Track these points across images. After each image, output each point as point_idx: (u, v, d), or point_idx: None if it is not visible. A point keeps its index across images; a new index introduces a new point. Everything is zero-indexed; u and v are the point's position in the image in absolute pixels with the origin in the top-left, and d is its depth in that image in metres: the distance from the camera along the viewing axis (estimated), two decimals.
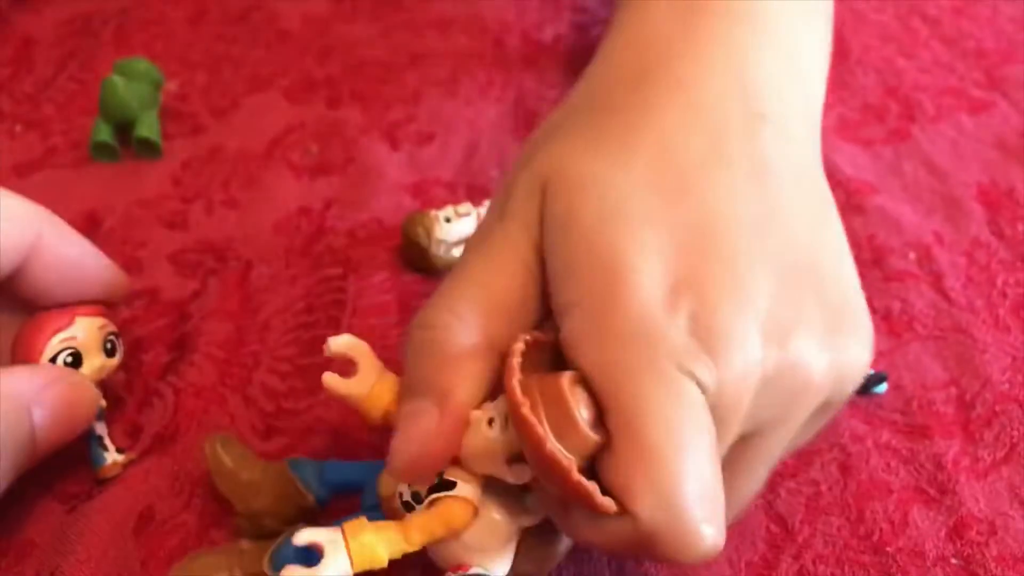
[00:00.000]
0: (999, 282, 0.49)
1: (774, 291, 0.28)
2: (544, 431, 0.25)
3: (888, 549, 0.36)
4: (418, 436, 0.28)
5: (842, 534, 0.37)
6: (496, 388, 0.29)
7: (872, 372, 0.42)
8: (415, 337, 0.29)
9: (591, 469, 0.26)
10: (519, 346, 0.27)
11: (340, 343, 0.32)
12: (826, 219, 0.32)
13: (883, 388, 0.43)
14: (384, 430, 0.31)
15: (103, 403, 0.39)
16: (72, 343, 0.36)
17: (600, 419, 0.26)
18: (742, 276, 0.28)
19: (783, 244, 0.29)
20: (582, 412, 0.26)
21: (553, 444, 0.25)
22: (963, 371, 0.44)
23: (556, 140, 0.32)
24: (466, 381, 0.28)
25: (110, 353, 0.38)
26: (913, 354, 0.45)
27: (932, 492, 0.38)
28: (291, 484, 0.36)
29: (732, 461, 0.29)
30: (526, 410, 0.25)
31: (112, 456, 0.39)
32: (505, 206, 0.31)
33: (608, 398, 0.26)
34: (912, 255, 0.51)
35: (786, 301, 0.28)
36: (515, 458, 0.27)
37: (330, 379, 0.31)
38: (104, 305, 0.39)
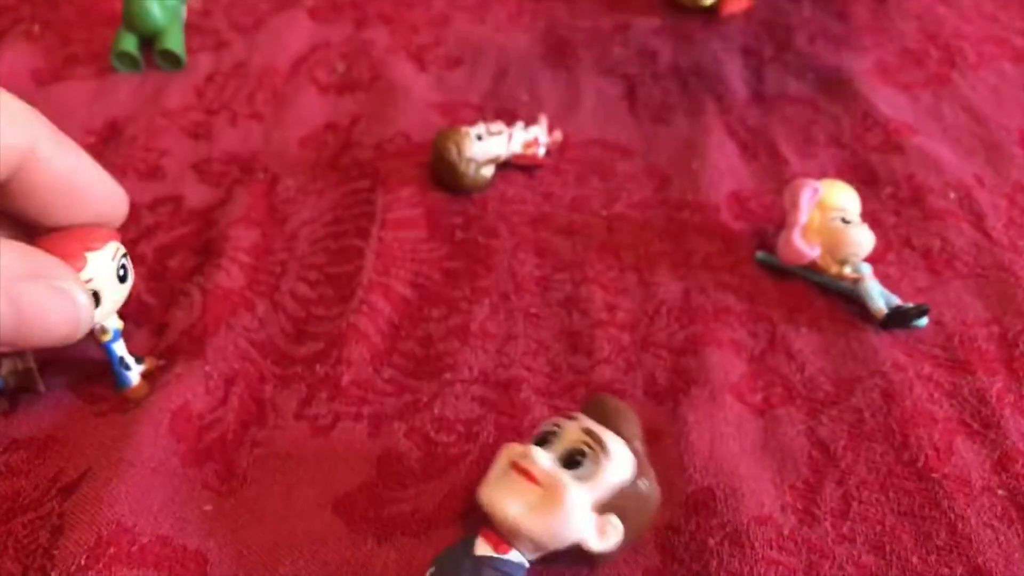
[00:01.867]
0: None
1: None
2: None
3: (934, 475, 0.35)
4: None
5: (886, 460, 0.36)
6: None
7: (911, 305, 0.41)
8: None
9: None
10: None
11: None
12: None
13: (924, 322, 0.42)
14: None
15: (119, 324, 0.37)
16: (88, 285, 0.33)
17: None
18: None
19: None
20: None
21: None
22: (1005, 309, 0.43)
23: None
24: None
25: (123, 279, 0.36)
26: (954, 292, 0.44)
27: (976, 425, 0.37)
28: None
29: None
30: None
31: (136, 372, 0.37)
32: None
33: None
34: (952, 195, 0.50)
35: None
36: None
37: None
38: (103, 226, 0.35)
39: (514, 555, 0.30)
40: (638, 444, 0.31)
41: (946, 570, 0.32)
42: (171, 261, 0.44)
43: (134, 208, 0.40)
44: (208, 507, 0.34)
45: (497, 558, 0.30)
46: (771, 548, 0.32)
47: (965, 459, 0.36)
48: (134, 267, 0.35)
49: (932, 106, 0.57)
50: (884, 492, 0.35)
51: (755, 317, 0.42)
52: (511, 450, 0.31)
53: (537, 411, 0.38)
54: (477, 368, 0.40)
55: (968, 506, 0.34)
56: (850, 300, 0.43)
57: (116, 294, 0.34)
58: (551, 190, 0.50)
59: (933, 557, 0.32)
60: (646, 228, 0.48)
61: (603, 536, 0.30)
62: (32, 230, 0.34)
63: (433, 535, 0.32)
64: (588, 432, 0.31)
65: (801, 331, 0.42)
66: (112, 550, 0.31)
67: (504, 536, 0.30)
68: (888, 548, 0.33)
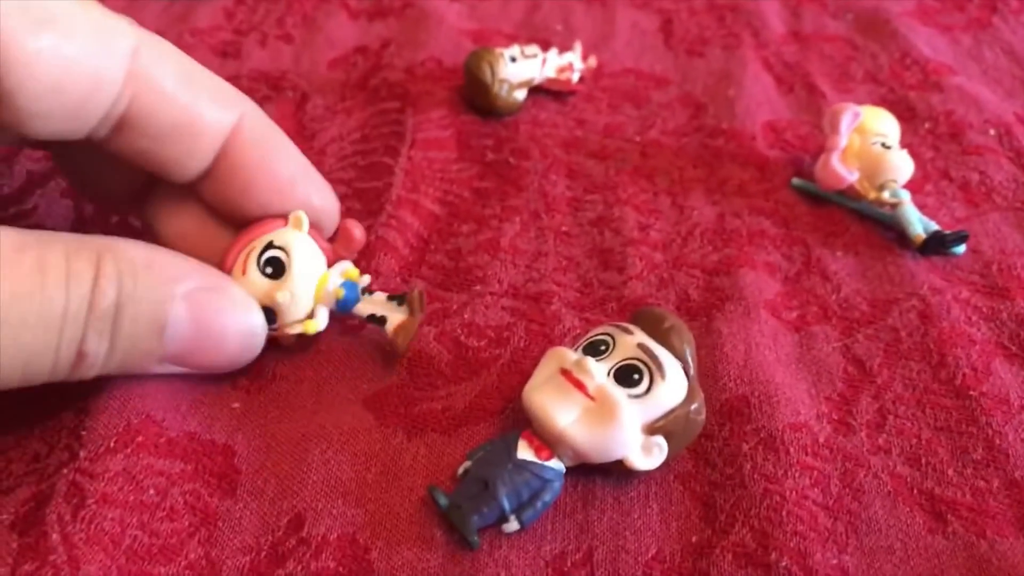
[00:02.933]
0: None
1: None
2: None
3: (971, 393, 0.35)
4: None
5: (923, 377, 0.35)
6: None
7: (948, 232, 0.41)
8: None
9: None
10: None
11: None
12: None
13: (962, 249, 0.41)
14: None
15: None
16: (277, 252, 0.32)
17: None
18: None
19: None
20: None
21: None
22: None
23: None
24: None
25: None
26: (992, 223, 0.43)
27: (1015, 348, 0.37)
28: None
29: None
30: None
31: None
32: None
33: None
34: (992, 132, 0.49)
35: None
36: None
37: None
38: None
39: (554, 462, 0.29)
40: (692, 365, 0.31)
41: (982, 483, 0.32)
42: None
43: None
44: (236, 405, 0.33)
45: (538, 464, 0.29)
46: (806, 454, 0.32)
47: (1004, 380, 0.35)
48: None
49: (972, 48, 0.56)
50: (920, 408, 0.34)
51: (790, 241, 0.42)
52: (561, 356, 0.30)
53: (568, 322, 0.37)
54: (507, 282, 0.39)
55: (1006, 423, 0.33)
56: (887, 226, 0.42)
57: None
58: (584, 116, 0.50)
59: (969, 471, 0.32)
60: (680, 155, 0.47)
61: (648, 456, 0.29)
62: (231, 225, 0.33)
63: (463, 432, 0.32)
64: (645, 349, 0.30)
65: (837, 255, 0.41)
66: (140, 438, 0.31)
67: (547, 442, 0.29)
68: (924, 461, 0.32)
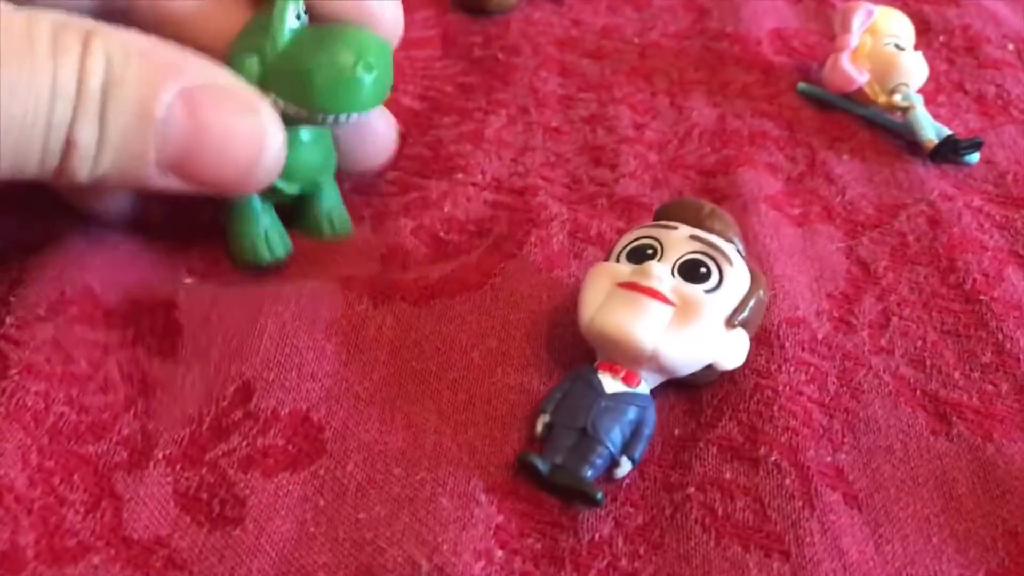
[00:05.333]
0: None
1: None
2: None
3: (982, 298, 0.32)
4: None
5: (930, 281, 0.33)
6: None
7: (961, 138, 0.38)
8: None
9: None
10: None
11: None
12: None
13: (976, 157, 0.39)
14: None
15: None
16: None
17: None
18: None
19: None
20: None
21: None
22: None
23: None
24: None
25: None
26: (1008, 135, 0.41)
27: None
28: None
29: None
30: None
31: None
32: None
33: None
34: (1011, 46, 0.46)
35: None
36: None
37: None
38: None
39: (643, 387, 0.26)
40: (741, 246, 0.28)
41: (990, 387, 0.29)
42: None
43: None
44: (188, 280, 0.31)
45: (631, 392, 0.26)
46: (802, 350, 0.29)
47: (1017, 287, 0.33)
48: None
49: None
50: (927, 311, 0.32)
51: (793, 143, 0.39)
52: (611, 270, 0.27)
53: (555, 209, 0.34)
54: (491, 173, 0.37)
55: (1017, 328, 0.31)
56: (896, 134, 0.40)
57: None
58: (581, 17, 0.47)
59: (977, 374, 0.30)
60: (681, 57, 0.44)
61: (736, 352, 0.26)
62: None
63: (436, 304, 0.29)
64: (700, 240, 0.27)
65: (843, 158, 0.38)
66: (75, 309, 0.28)
67: (631, 366, 0.26)
68: (929, 363, 0.30)
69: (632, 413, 0.25)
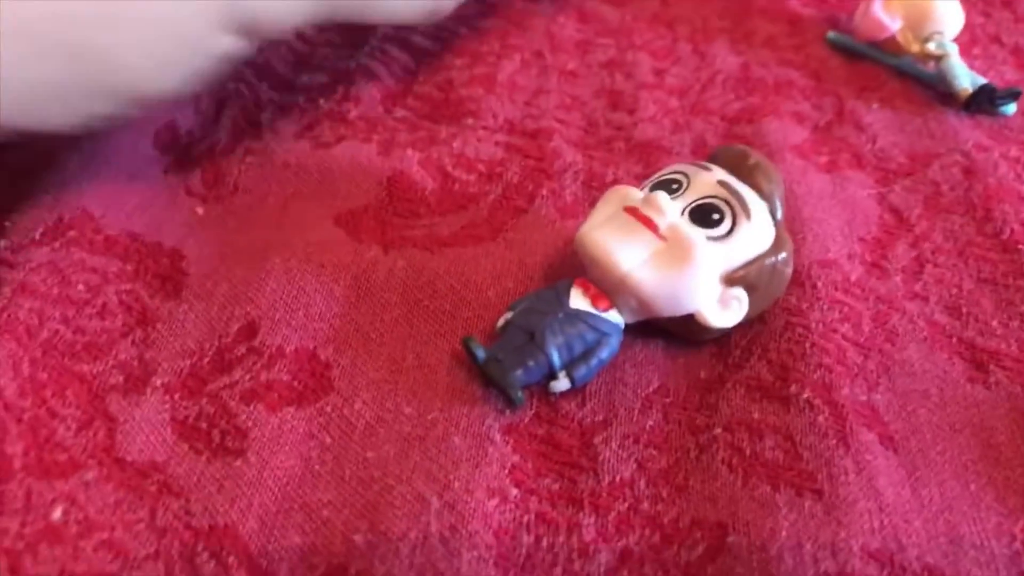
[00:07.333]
0: None
1: None
2: None
3: (1020, 247, 0.31)
4: None
5: (965, 230, 0.31)
6: None
7: (998, 88, 0.37)
8: None
9: None
10: None
11: None
12: None
13: (1012, 108, 0.37)
14: None
15: None
16: None
17: None
18: None
19: None
20: None
21: None
22: None
23: None
24: None
25: None
26: None
27: None
28: None
29: None
30: None
31: None
32: None
33: None
34: None
35: None
36: None
37: None
38: None
39: (613, 314, 0.25)
40: (780, 209, 0.26)
41: None
42: None
43: None
44: (199, 210, 0.29)
45: (595, 314, 0.25)
46: (835, 289, 0.28)
47: None
48: None
49: None
50: (963, 259, 0.30)
51: (820, 92, 0.38)
52: (625, 193, 0.25)
53: (569, 157, 0.33)
54: (503, 116, 0.35)
55: None
56: (928, 84, 0.38)
57: None
58: None
59: (1015, 323, 0.28)
60: (704, 4, 0.43)
61: (725, 310, 0.25)
62: None
63: (448, 252, 0.28)
64: (726, 186, 0.25)
65: (872, 107, 0.37)
66: (72, 233, 0.27)
67: (606, 290, 0.25)
68: (965, 311, 0.28)
69: (587, 335, 0.24)
